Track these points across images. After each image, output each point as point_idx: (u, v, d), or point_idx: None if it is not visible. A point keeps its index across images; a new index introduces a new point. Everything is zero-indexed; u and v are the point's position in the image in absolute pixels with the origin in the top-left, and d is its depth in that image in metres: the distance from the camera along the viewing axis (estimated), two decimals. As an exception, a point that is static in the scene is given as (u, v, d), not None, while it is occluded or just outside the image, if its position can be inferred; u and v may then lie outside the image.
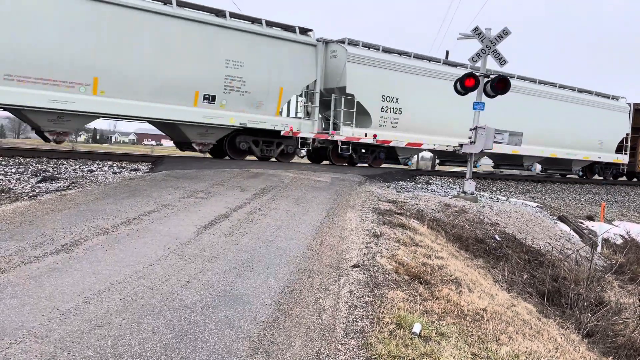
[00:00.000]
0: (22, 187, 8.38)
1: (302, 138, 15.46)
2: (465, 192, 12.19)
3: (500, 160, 22.02)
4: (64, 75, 11.62)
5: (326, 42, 15.99)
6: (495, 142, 12.24)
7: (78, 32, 11.64)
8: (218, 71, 13.59)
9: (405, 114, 16.72)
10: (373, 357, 3.15)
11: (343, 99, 15.77)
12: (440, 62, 18.23)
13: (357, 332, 3.50)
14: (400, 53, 17.35)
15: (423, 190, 13.47)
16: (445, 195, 12.53)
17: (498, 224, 9.98)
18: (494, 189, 17.79)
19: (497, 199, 14.34)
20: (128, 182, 9.04)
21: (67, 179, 9.19)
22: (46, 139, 12.52)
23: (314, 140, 16.31)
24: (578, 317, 6.27)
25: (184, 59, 13.07)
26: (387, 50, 16.94)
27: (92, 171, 10.33)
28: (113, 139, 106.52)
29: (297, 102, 16.81)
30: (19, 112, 11.93)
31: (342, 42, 15.90)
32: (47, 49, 11.31)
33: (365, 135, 16.19)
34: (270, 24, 14.53)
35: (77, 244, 4.95)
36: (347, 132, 15.90)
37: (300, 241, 5.83)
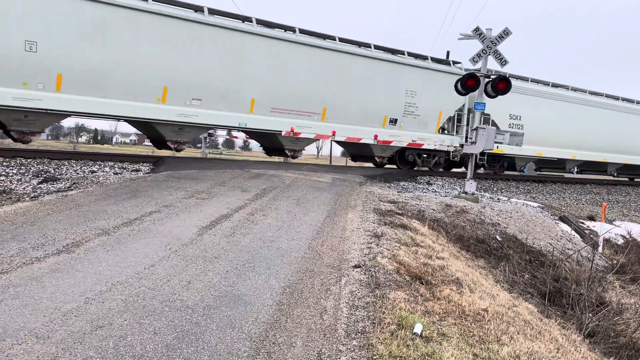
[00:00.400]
0: (24, 188, 8.39)
1: (453, 150, 18.72)
2: (466, 193, 12.19)
3: (585, 166, 24.14)
4: (305, 107, 15.29)
5: (466, 70, 19.13)
6: (495, 142, 12.25)
7: (315, 75, 15.32)
8: (400, 99, 17.10)
9: (526, 129, 19.61)
10: (374, 357, 3.15)
11: (482, 118, 18.74)
12: (549, 85, 21.35)
13: (359, 332, 3.50)
14: (518, 77, 20.31)
15: (424, 190, 13.47)
16: (446, 196, 12.53)
17: (499, 224, 9.98)
18: (494, 189, 17.78)
19: (498, 199, 14.34)
20: (129, 182, 9.05)
21: (68, 180, 9.19)
22: (285, 156, 16.55)
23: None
24: (579, 317, 6.26)
25: (380, 91, 16.59)
26: (512, 76, 19.89)
27: (93, 172, 10.34)
28: (114, 140, 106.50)
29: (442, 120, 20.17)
30: (272, 136, 15.36)
31: (478, 71, 18.40)
32: (297, 89, 15.02)
33: (497, 148, 19.06)
34: (433, 59, 18.02)
35: (78, 245, 4.95)
36: None
37: (302, 242, 5.84)
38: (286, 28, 14.80)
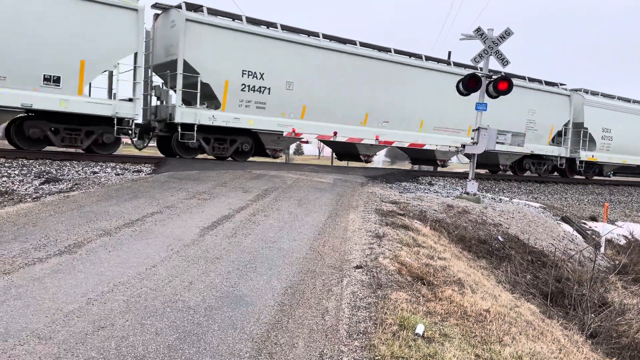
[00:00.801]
0: (26, 189, 8.40)
1: (560, 158, 22.41)
2: (467, 193, 12.18)
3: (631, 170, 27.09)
4: (457, 125, 18.75)
5: (565, 89, 23.02)
6: (497, 142, 12.24)
7: (461, 102, 17.21)
8: (523, 117, 20.64)
9: (615, 140, 23.42)
10: (376, 358, 3.15)
11: (581, 131, 22.28)
12: (630, 101, 24.49)
13: (360, 333, 3.50)
14: (607, 95, 23.66)
15: (425, 191, 13.46)
16: (447, 196, 12.52)
17: (501, 224, 9.96)
18: (496, 189, 17.76)
19: (500, 199, 14.32)
20: (131, 183, 9.06)
21: (70, 181, 9.21)
22: (435, 165, 20.36)
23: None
24: (581, 318, 6.25)
25: (510, 111, 19.61)
26: (603, 95, 23.60)
27: (95, 173, 10.35)
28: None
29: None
30: (432, 152, 18.89)
31: (578, 90, 22.94)
32: (451, 111, 18.19)
33: (593, 156, 22.98)
34: (547, 83, 21.70)
35: (80, 246, 4.96)
36: (583, 155, 22.45)
37: (303, 242, 5.84)
38: (439, 61, 18.63)
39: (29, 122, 12.12)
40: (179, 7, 13.54)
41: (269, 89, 14.72)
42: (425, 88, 17.78)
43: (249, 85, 14.42)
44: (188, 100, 14.13)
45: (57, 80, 11.85)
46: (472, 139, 12.28)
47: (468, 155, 12.33)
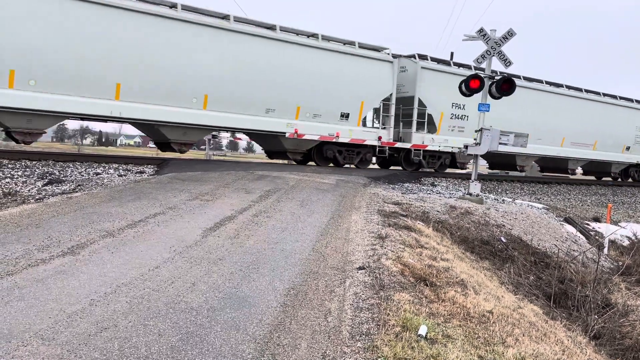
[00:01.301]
0: (29, 190, 8.43)
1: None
2: (470, 194, 12.16)
3: None
4: (585, 140, 22.48)
5: None
6: (500, 143, 12.21)
7: (590, 119, 22.33)
8: (633, 132, 24.62)
9: None
10: (379, 359, 3.14)
11: None
12: None
13: (363, 334, 3.49)
14: None
15: (428, 192, 13.43)
16: (450, 197, 12.49)
17: (504, 225, 9.94)
18: (499, 190, 17.73)
19: (503, 200, 14.29)
20: (134, 184, 9.07)
21: (73, 182, 9.23)
22: (566, 173, 23.57)
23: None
24: (585, 319, 6.24)
25: (622, 128, 23.76)
26: None
27: (97, 174, 10.37)
28: (118, 142, 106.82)
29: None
30: (565, 160, 22.64)
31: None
32: (583, 128, 22.32)
33: None
34: (638, 101, 25.19)
35: (83, 247, 4.97)
36: None
37: (306, 243, 5.83)
38: (568, 87, 21.94)
39: (327, 146, 16.16)
40: (412, 56, 17.94)
41: (468, 116, 18.46)
42: (564, 108, 21.40)
43: (455, 114, 18.45)
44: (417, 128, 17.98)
45: (347, 116, 16.28)
46: (474, 139, 12.26)
47: (469, 157, 12.38)
